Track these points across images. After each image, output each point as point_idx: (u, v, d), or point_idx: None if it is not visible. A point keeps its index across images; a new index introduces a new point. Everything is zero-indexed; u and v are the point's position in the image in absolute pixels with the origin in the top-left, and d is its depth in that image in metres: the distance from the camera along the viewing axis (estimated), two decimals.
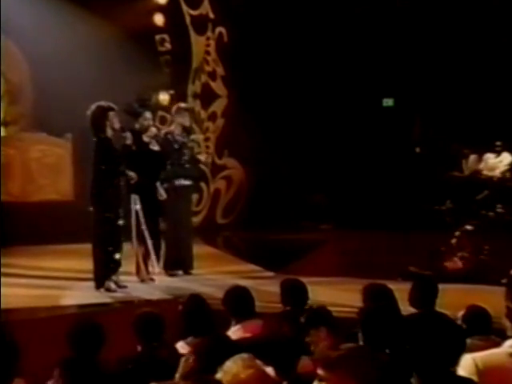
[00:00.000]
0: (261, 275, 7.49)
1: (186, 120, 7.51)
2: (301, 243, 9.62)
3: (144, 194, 6.98)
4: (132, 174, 6.79)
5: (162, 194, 7.17)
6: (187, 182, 7.50)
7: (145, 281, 7.02)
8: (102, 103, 6.66)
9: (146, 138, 7.06)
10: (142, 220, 6.93)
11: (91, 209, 6.56)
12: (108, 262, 6.56)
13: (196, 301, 4.21)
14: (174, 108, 7.61)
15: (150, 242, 6.96)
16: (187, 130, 7.67)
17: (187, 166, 7.49)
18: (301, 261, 8.29)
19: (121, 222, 6.63)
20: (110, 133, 6.64)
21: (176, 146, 7.40)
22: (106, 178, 6.55)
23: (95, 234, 6.58)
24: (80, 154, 9.80)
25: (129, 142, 6.79)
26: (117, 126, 6.66)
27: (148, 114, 7.14)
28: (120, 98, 7.88)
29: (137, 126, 7.16)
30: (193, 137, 7.76)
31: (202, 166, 10.22)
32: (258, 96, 11.32)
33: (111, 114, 6.63)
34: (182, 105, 7.93)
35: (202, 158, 7.79)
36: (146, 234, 6.95)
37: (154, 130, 7.15)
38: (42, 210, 9.69)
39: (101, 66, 9.56)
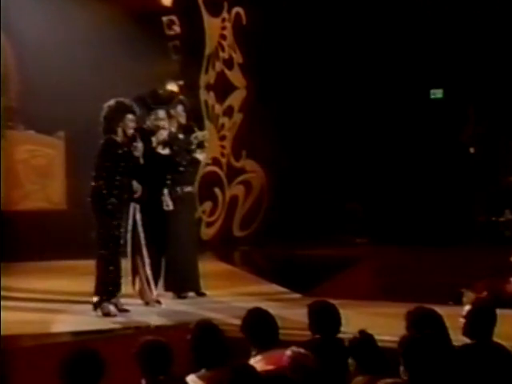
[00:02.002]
0: (285, 297, 7.50)
1: (180, 116, 7.46)
2: (332, 260, 9.60)
3: (146, 203, 7.02)
4: (137, 185, 6.84)
5: (169, 203, 7.17)
6: (190, 189, 7.53)
7: (150, 304, 7.06)
8: (125, 101, 6.69)
9: (154, 141, 7.06)
10: (142, 234, 6.97)
11: (95, 217, 6.63)
12: (110, 281, 6.61)
13: (207, 327, 4.22)
14: (173, 100, 7.52)
15: (147, 261, 6.99)
16: (185, 128, 7.62)
17: (189, 169, 7.52)
18: (332, 280, 8.29)
19: (124, 234, 6.71)
20: (120, 137, 6.69)
21: (175, 148, 7.39)
22: (108, 186, 6.60)
23: (99, 249, 6.64)
24: (74, 155, 9.90)
25: (137, 154, 6.77)
26: (130, 132, 6.69)
27: (162, 113, 7.11)
28: (120, 90, 7.92)
29: (148, 123, 7.17)
30: (196, 135, 7.67)
31: (214, 168, 10.25)
32: (281, 87, 11.35)
33: (129, 116, 6.66)
34: (179, 97, 7.78)
35: (199, 156, 7.75)
36: (145, 250, 6.98)
37: (164, 133, 7.09)
38: (30, 221, 9.76)
39: (99, 53, 9.63)
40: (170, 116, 7.39)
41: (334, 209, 11.53)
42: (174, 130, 7.41)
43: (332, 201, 11.57)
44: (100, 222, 6.60)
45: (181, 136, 7.47)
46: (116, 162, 6.58)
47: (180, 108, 7.48)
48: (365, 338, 4.12)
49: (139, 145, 6.73)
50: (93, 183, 6.64)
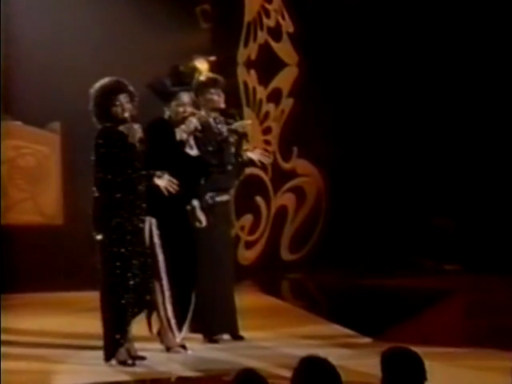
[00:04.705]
0: (351, 342, 7.50)
1: (218, 100, 7.50)
2: (412, 293, 9.55)
3: (168, 218, 7.09)
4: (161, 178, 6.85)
5: (201, 219, 7.21)
6: (224, 198, 7.58)
7: (172, 349, 7.13)
8: (108, 80, 6.79)
9: (180, 135, 7.10)
10: (161, 257, 7.04)
11: (98, 237, 6.71)
12: (123, 317, 6.69)
13: (249, 379, 4.27)
14: (195, 84, 7.55)
15: (168, 294, 7.05)
16: (229, 115, 7.65)
17: (229, 169, 7.55)
18: (413, 321, 8.26)
19: (138, 257, 6.77)
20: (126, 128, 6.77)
21: (212, 143, 7.45)
22: (115, 191, 6.67)
23: (103, 278, 6.72)
24: (73, 154, 10.01)
25: (132, 139, 6.71)
26: (126, 114, 6.75)
27: (186, 97, 7.15)
28: (135, 68, 8.02)
29: (167, 113, 7.25)
30: (236, 125, 7.70)
31: (256, 171, 10.25)
32: (344, 64, 11.34)
33: (121, 96, 6.75)
34: (209, 75, 7.80)
35: (253, 156, 7.76)
36: (165, 279, 7.03)
37: (194, 121, 7.13)
38: (17, 240, 9.88)
39: (107, 24, 9.78)
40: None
41: (415, 224, 11.47)
42: (211, 118, 7.44)
43: (412, 214, 11.51)
44: (103, 241, 6.68)
45: (220, 126, 7.52)
46: (115, 155, 6.65)
47: (215, 91, 7.50)
48: None
49: (135, 127, 6.73)
50: (95, 189, 6.73)
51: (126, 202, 6.69)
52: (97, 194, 6.71)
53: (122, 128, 6.71)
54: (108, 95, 6.75)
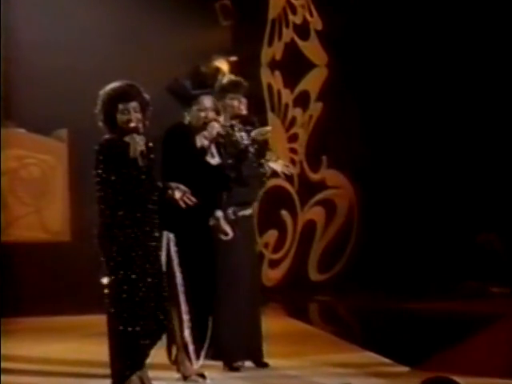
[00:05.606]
0: (386, 371, 7.46)
1: (238, 106, 7.53)
2: (454, 317, 9.55)
3: (187, 233, 7.13)
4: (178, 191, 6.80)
5: (227, 230, 7.27)
6: (247, 212, 7.58)
7: (190, 378, 7.12)
8: (119, 84, 6.78)
9: (201, 141, 7.12)
10: (179, 277, 7.05)
11: (102, 259, 6.71)
12: (130, 347, 6.68)
13: None
14: (217, 88, 7.52)
15: (186, 318, 7.05)
16: (249, 123, 7.67)
17: (251, 181, 7.53)
18: (455, 348, 8.24)
19: (149, 280, 6.76)
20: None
21: (232, 154, 7.46)
22: (117, 209, 6.68)
23: (109, 302, 6.73)
24: (81, 164, 10.04)
25: (133, 153, 6.61)
26: (132, 124, 6.71)
27: (208, 101, 7.14)
28: (149, 72, 8.05)
29: (188, 118, 7.26)
30: (255, 132, 7.70)
31: (281, 182, 10.23)
32: (378, 66, 11.34)
33: (131, 104, 6.73)
34: (229, 78, 7.75)
35: (276, 166, 7.77)
36: (183, 302, 7.05)
37: (217, 126, 7.13)
38: (20, 258, 9.94)
39: (118, 22, 9.84)
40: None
41: (457, 242, 11.44)
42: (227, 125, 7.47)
43: (455, 230, 11.48)
44: (107, 263, 6.68)
45: (240, 135, 7.55)
46: (115, 171, 6.65)
47: (236, 96, 7.52)
48: None
49: (137, 139, 6.68)
50: (98, 205, 6.72)
51: (132, 219, 6.66)
52: (100, 212, 6.72)
53: (126, 139, 6.69)
54: (115, 101, 6.70)
